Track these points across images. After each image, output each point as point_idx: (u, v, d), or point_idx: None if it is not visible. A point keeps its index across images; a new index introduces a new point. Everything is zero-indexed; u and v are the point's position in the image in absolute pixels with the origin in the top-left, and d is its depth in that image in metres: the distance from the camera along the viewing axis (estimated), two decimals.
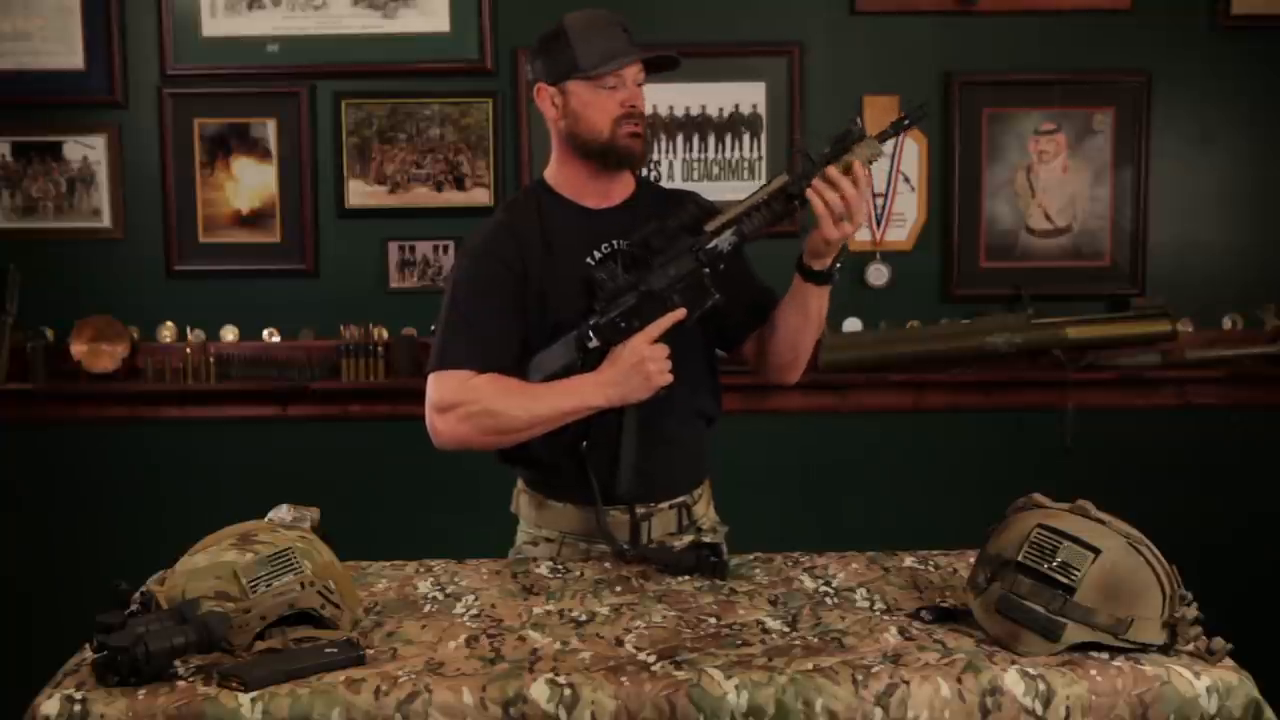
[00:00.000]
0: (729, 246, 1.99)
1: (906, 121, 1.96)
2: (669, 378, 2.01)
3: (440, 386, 2.04)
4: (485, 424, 2.02)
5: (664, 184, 2.95)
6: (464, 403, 2.01)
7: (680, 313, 2.00)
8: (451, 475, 3.43)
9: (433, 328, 3.62)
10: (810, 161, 1.94)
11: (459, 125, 3.43)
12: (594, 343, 2.02)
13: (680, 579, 1.95)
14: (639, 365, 1.99)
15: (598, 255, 2.10)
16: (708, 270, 2.00)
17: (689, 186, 2.44)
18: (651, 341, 1.99)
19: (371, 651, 1.62)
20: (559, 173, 2.17)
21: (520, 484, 2.24)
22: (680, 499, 2.17)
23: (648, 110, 2.14)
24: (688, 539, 2.13)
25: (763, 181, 2.81)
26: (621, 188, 2.18)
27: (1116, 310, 3.44)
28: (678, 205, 2.09)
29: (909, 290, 3.47)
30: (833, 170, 1.91)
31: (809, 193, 1.92)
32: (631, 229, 2.07)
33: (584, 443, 2.08)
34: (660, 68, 2.12)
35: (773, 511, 3.21)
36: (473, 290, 2.09)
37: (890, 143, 2.02)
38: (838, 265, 2.02)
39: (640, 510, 2.13)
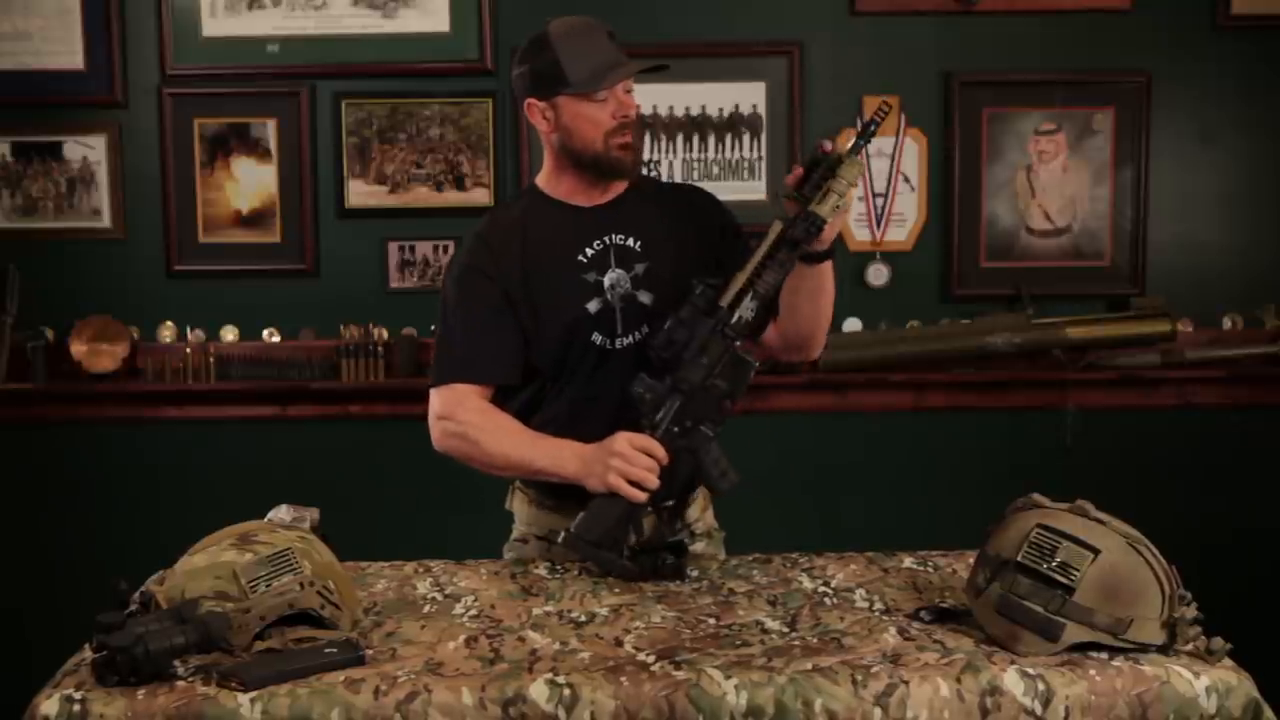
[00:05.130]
0: (751, 314, 1.95)
1: (873, 127, 1.94)
2: (627, 488, 1.92)
3: (437, 400, 2.13)
4: (465, 449, 2.10)
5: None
6: (454, 419, 2.10)
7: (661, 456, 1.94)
8: (451, 475, 3.41)
9: (433, 327, 3.63)
10: (803, 198, 1.91)
11: (459, 125, 3.43)
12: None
13: (677, 581, 1.95)
14: (606, 458, 1.94)
15: (589, 253, 2.10)
16: (739, 343, 1.96)
17: None
18: (636, 446, 1.93)
19: (371, 651, 1.62)
20: (552, 179, 2.16)
21: (517, 481, 2.26)
22: (668, 503, 2.15)
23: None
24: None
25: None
26: (614, 186, 2.17)
27: (1116, 310, 3.44)
28: (687, 204, 2.13)
29: (909, 290, 3.47)
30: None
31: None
32: (621, 223, 2.08)
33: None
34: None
35: (772, 511, 3.20)
36: (460, 306, 2.13)
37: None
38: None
39: None
